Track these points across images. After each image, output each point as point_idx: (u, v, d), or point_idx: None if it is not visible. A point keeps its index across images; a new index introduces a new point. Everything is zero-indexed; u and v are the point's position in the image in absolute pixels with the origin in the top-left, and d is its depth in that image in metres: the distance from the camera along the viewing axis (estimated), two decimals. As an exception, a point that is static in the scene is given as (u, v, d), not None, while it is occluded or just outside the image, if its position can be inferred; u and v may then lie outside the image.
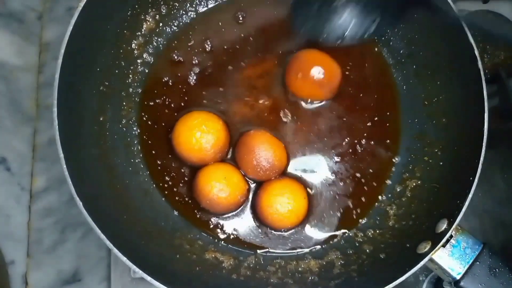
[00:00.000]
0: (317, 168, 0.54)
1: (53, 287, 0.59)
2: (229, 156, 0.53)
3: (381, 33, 0.52)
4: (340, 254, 0.51)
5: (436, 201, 0.50)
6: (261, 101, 0.55)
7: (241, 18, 0.56)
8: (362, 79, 0.56)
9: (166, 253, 0.49)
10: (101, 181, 0.48)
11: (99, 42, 0.49)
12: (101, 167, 0.49)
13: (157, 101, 0.54)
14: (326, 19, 0.49)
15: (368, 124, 0.55)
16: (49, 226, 0.61)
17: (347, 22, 0.49)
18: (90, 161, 0.48)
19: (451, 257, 0.44)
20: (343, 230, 0.53)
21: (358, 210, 0.53)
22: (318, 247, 0.52)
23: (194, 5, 0.56)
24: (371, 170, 0.54)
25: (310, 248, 0.52)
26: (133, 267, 0.41)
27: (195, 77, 0.55)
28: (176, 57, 0.55)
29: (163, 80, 0.55)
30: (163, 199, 0.52)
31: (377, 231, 0.52)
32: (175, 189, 0.53)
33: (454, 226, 0.44)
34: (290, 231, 0.52)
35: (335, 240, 0.53)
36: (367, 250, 0.51)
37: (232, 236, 0.52)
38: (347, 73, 0.55)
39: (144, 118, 0.54)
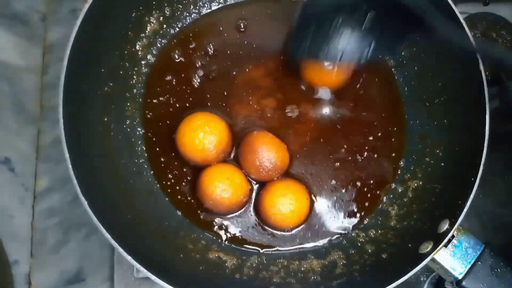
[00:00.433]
0: (319, 168, 0.54)
1: (57, 287, 0.60)
2: (232, 157, 0.54)
3: (378, 58, 0.52)
4: (342, 254, 0.52)
5: (437, 202, 0.50)
6: (264, 102, 0.55)
7: (242, 27, 0.56)
8: (363, 82, 0.56)
9: (170, 253, 0.49)
10: (106, 181, 0.48)
11: (104, 43, 0.50)
12: (105, 167, 0.49)
13: (160, 102, 0.54)
14: (321, 44, 0.49)
15: (370, 126, 0.55)
16: (53, 226, 0.61)
17: (342, 48, 0.49)
18: (95, 161, 0.48)
19: (453, 257, 0.44)
20: (344, 230, 0.53)
21: (360, 211, 0.54)
22: (321, 247, 0.53)
23: (197, 7, 0.57)
24: (374, 171, 0.54)
25: (312, 248, 0.52)
26: (138, 266, 0.42)
27: (198, 79, 0.55)
28: (179, 59, 0.55)
29: (167, 82, 0.55)
30: (167, 199, 0.53)
31: (379, 231, 0.52)
32: (178, 189, 0.53)
33: (455, 226, 0.44)
34: (292, 231, 0.53)
35: (337, 240, 0.53)
36: (369, 250, 0.51)
37: (235, 236, 0.52)
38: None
39: (148, 119, 0.54)
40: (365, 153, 0.55)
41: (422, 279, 0.57)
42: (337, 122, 0.55)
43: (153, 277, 0.42)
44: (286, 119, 0.55)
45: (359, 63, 0.50)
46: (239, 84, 0.55)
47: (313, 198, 0.54)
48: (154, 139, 0.54)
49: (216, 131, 0.51)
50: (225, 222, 0.53)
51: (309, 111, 0.55)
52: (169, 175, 0.53)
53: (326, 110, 0.55)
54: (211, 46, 0.56)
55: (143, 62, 0.55)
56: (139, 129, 0.54)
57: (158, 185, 0.53)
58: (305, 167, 0.54)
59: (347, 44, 0.49)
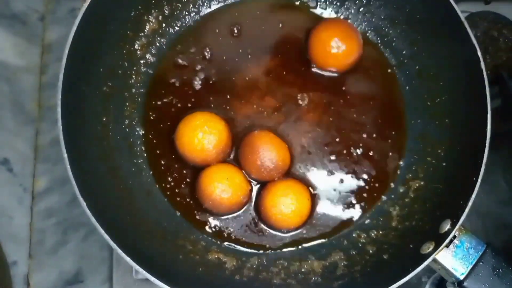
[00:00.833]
0: (320, 168, 0.54)
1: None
2: (231, 157, 0.53)
3: None
4: (343, 255, 0.51)
5: (439, 202, 0.50)
6: (264, 102, 0.55)
7: (242, 26, 0.56)
8: (365, 80, 0.56)
9: (169, 254, 0.49)
10: (104, 182, 0.48)
11: (102, 42, 0.49)
12: (104, 167, 0.49)
13: (159, 102, 0.54)
14: None
15: (371, 126, 0.55)
16: (51, 227, 0.61)
17: None
18: (93, 161, 0.48)
19: (454, 258, 0.44)
20: (346, 231, 0.53)
21: (362, 211, 0.53)
22: (321, 247, 0.52)
23: (197, 6, 0.56)
24: (375, 171, 0.54)
25: (313, 249, 0.52)
26: (137, 267, 0.41)
27: (198, 78, 0.55)
28: (178, 59, 0.55)
29: (166, 81, 0.55)
30: (166, 199, 0.52)
31: (380, 232, 0.52)
32: (178, 190, 0.53)
33: (457, 226, 0.44)
34: (294, 232, 0.52)
35: (338, 240, 0.53)
36: (370, 251, 0.51)
37: (235, 237, 0.52)
38: (350, 74, 0.55)
39: (147, 119, 0.54)
40: (366, 152, 0.54)
41: (423, 279, 0.57)
42: (338, 122, 0.55)
43: (152, 279, 0.41)
44: (286, 118, 0.55)
45: None
46: (238, 83, 0.55)
47: (315, 198, 0.53)
48: (153, 139, 0.53)
49: (216, 131, 0.51)
50: (225, 223, 0.52)
51: (310, 110, 0.55)
52: (168, 176, 0.53)
53: (327, 110, 0.55)
54: (211, 47, 0.56)
55: (142, 61, 0.54)
56: (138, 129, 0.54)
57: (157, 186, 0.53)
58: (305, 167, 0.54)
59: None
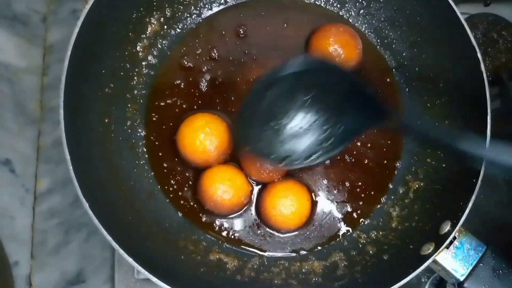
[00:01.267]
0: (320, 170, 0.54)
1: (57, 288, 0.60)
2: (232, 158, 0.53)
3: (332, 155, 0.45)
4: (343, 256, 0.52)
5: (439, 203, 0.50)
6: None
7: (244, 29, 0.56)
8: (365, 82, 0.56)
9: (171, 254, 0.49)
10: (106, 183, 0.48)
11: (104, 44, 0.50)
12: (106, 168, 0.49)
13: (161, 103, 0.54)
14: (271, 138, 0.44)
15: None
16: (53, 227, 0.61)
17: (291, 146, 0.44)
18: (96, 162, 0.48)
19: (454, 259, 0.44)
20: (346, 231, 0.53)
21: (361, 211, 0.54)
22: (322, 248, 0.53)
23: (198, 8, 0.57)
24: (375, 172, 0.54)
25: (313, 250, 0.52)
26: (139, 267, 0.41)
27: (200, 79, 0.55)
28: (180, 60, 0.55)
29: (168, 83, 0.55)
30: (168, 200, 0.53)
31: (381, 233, 0.52)
32: (179, 191, 0.53)
33: (457, 227, 0.44)
34: (294, 233, 0.53)
35: (339, 241, 0.53)
36: (371, 252, 0.51)
37: (236, 238, 0.52)
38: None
39: (149, 120, 0.54)
40: (366, 154, 0.54)
41: (423, 280, 0.57)
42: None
43: (153, 279, 0.42)
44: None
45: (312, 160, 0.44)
46: (241, 85, 0.55)
47: (314, 199, 0.53)
48: (155, 140, 0.54)
49: (217, 132, 0.51)
50: (226, 224, 0.53)
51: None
52: (170, 177, 0.53)
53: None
54: (213, 48, 0.56)
55: (144, 63, 0.54)
56: (140, 130, 0.54)
57: (158, 186, 0.53)
58: (305, 169, 0.54)
59: (299, 139, 0.44)
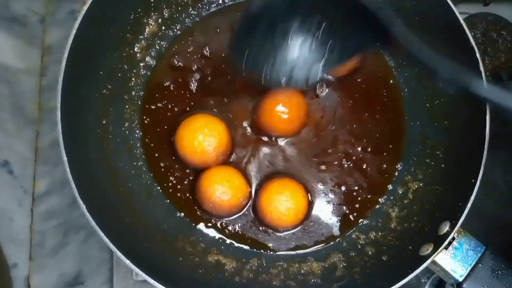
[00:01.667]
0: (318, 169, 0.54)
1: (56, 289, 0.59)
2: (231, 159, 0.53)
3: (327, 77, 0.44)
4: (342, 257, 0.51)
5: (438, 203, 0.50)
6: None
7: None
8: (363, 82, 0.56)
9: (169, 256, 0.49)
10: (104, 184, 0.48)
11: (102, 45, 0.49)
12: (104, 170, 0.49)
13: (159, 104, 0.54)
14: (269, 51, 0.43)
15: (370, 127, 0.55)
16: (52, 229, 0.61)
17: (291, 61, 0.43)
18: (93, 164, 0.48)
19: (453, 259, 0.44)
20: (344, 232, 0.53)
21: (360, 212, 0.54)
22: (320, 249, 0.52)
23: (196, 9, 0.56)
24: (373, 173, 0.54)
25: (312, 250, 0.52)
26: (136, 269, 0.41)
27: (196, 81, 0.55)
28: (178, 62, 0.55)
29: (165, 84, 0.55)
30: (166, 201, 0.53)
31: (379, 233, 0.52)
32: (177, 192, 0.53)
33: (456, 228, 0.44)
34: (291, 231, 0.52)
35: (337, 242, 0.53)
36: (370, 252, 0.51)
37: (234, 239, 0.52)
38: (349, 76, 0.55)
39: (147, 121, 0.54)
40: (366, 154, 0.54)
41: (423, 280, 0.57)
42: (337, 122, 0.55)
43: (151, 281, 0.41)
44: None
45: (306, 84, 0.44)
46: (237, 86, 0.55)
47: (312, 199, 0.53)
48: (153, 141, 0.54)
49: (216, 133, 0.51)
50: (225, 225, 0.53)
51: (310, 111, 0.55)
52: (168, 178, 0.53)
53: (324, 112, 0.55)
54: (209, 49, 0.56)
55: (141, 64, 0.54)
56: (137, 131, 0.54)
57: (157, 188, 0.53)
58: (303, 167, 0.54)
59: (297, 57, 0.43)
